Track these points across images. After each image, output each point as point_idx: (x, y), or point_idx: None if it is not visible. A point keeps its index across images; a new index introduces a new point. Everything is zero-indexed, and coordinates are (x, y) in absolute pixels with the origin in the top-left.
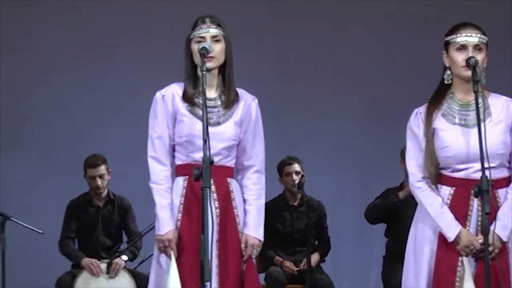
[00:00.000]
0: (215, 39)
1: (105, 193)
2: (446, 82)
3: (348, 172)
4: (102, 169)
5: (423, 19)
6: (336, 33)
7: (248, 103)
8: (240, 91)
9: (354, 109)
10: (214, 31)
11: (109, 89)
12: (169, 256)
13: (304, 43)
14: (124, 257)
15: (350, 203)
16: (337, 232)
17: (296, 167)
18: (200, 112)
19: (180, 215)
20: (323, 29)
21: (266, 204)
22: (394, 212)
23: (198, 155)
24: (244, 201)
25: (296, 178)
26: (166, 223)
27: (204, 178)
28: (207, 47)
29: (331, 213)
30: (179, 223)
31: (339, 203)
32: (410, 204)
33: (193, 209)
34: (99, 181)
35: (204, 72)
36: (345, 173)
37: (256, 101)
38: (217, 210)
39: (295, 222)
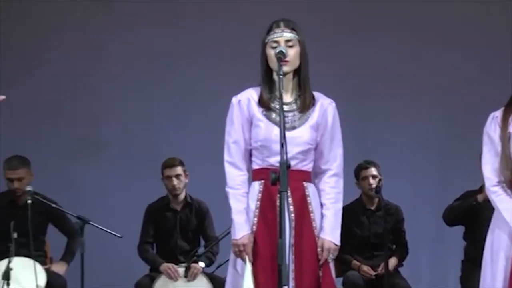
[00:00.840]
0: (289, 43)
1: (182, 196)
2: None
3: (425, 175)
4: (179, 169)
5: (503, 21)
6: (414, 34)
7: (324, 107)
8: (317, 94)
9: (432, 111)
10: (288, 35)
11: (188, 92)
12: (244, 261)
13: (381, 44)
14: (202, 264)
15: (427, 207)
16: (414, 236)
17: (373, 171)
18: (276, 117)
19: (256, 219)
20: (401, 30)
21: (343, 208)
22: (472, 215)
23: (274, 160)
24: (322, 205)
25: (373, 182)
26: (242, 227)
27: (281, 182)
28: (283, 51)
29: (408, 216)
30: (255, 227)
31: (416, 206)
32: (489, 208)
33: (268, 213)
34: (175, 181)
35: (281, 76)
36: (422, 176)
37: (334, 104)
38: (292, 215)
39: (373, 226)
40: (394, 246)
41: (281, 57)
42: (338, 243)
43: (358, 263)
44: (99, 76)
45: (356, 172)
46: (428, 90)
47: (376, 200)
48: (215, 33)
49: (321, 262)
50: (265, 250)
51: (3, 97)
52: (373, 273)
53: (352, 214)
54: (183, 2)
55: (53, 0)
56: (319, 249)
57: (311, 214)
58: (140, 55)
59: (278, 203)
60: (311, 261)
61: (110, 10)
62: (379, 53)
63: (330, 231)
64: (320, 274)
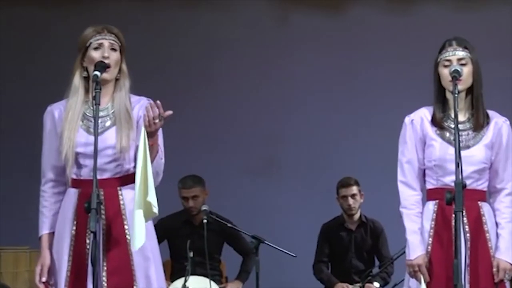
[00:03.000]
0: (461, 61)
1: (357, 216)
2: None
3: None
4: (354, 189)
5: None
6: None
7: (499, 125)
8: (490, 112)
9: None
10: (460, 53)
11: (362, 112)
12: (419, 281)
13: None
14: (376, 284)
15: None
16: None
17: None
18: (450, 136)
19: (430, 239)
20: None
21: None
22: None
23: (449, 179)
24: (497, 224)
25: None
26: (416, 248)
27: (456, 202)
28: (459, 70)
29: None
30: (429, 247)
31: None
32: None
33: (443, 234)
34: (350, 201)
35: (456, 95)
36: None
37: (508, 122)
38: (468, 235)
39: None
40: None
41: (456, 76)
42: None
43: None
44: (276, 95)
45: None
46: None
47: None
48: (389, 51)
49: (496, 281)
50: (440, 271)
51: (169, 112)
52: None
53: None
54: (353, 22)
55: (228, 23)
56: (494, 269)
57: (487, 234)
58: (315, 74)
59: (453, 223)
60: (487, 281)
61: (284, 29)
62: None
63: (505, 251)
64: None
